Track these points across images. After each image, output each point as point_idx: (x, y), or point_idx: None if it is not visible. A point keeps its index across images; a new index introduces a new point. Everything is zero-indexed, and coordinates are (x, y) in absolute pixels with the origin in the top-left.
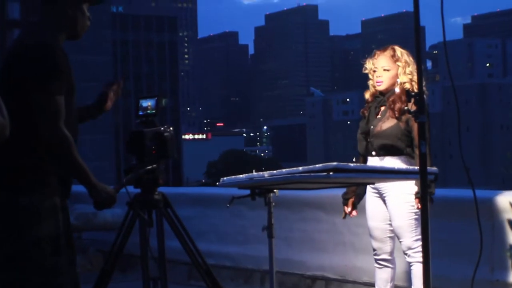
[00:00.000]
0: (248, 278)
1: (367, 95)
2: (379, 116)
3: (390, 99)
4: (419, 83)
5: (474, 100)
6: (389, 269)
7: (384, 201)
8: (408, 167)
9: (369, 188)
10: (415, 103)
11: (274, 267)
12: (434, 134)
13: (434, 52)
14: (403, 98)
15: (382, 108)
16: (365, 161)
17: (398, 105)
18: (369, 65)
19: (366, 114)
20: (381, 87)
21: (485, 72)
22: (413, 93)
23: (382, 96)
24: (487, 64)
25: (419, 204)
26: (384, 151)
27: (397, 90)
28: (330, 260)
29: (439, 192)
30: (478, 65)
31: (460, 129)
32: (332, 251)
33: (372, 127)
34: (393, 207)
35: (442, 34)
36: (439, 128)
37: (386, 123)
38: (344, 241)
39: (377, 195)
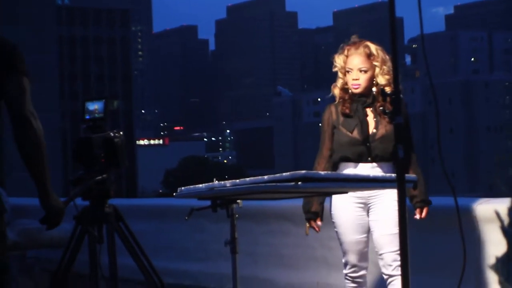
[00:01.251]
0: None
1: (337, 91)
2: (374, 119)
3: (378, 104)
4: (395, 81)
5: (457, 98)
6: (365, 285)
7: (368, 210)
8: (384, 174)
9: (346, 198)
10: (390, 103)
11: (238, 286)
12: (415, 136)
13: (414, 46)
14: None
15: (368, 110)
16: (335, 167)
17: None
18: (339, 62)
19: (348, 112)
20: (359, 90)
21: (470, 68)
22: (388, 93)
23: (361, 96)
24: (472, 59)
25: (419, 214)
26: (384, 157)
27: (374, 90)
28: (300, 277)
29: None
30: (462, 60)
31: (439, 131)
32: (302, 267)
33: (374, 130)
34: (381, 216)
35: (420, 26)
36: (420, 130)
37: (387, 128)
38: (316, 256)
39: (361, 205)
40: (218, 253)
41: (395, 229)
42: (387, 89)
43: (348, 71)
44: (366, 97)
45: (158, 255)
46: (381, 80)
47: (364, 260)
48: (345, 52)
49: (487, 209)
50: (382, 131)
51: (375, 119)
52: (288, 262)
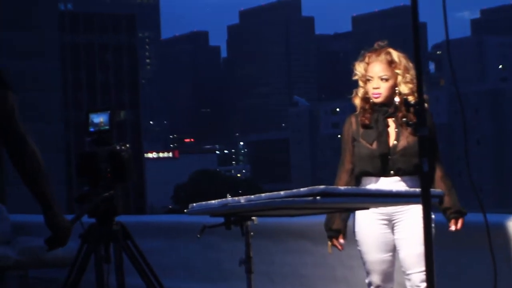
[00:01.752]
0: None
1: (358, 101)
2: (396, 130)
3: (400, 115)
4: (419, 90)
5: (485, 108)
6: None
7: (393, 227)
8: (408, 189)
9: (370, 214)
10: (414, 114)
11: None
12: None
13: (438, 52)
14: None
15: (390, 120)
16: (358, 181)
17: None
18: (360, 69)
19: (368, 123)
20: (379, 100)
21: (498, 76)
22: (412, 102)
23: (382, 106)
24: (500, 66)
25: (454, 226)
26: (407, 170)
27: (397, 100)
28: None
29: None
30: (489, 67)
31: (467, 143)
32: None
33: (395, 142)
34: (407, 234)
35: (445, 31)
36: (446, 142)
37: (409, 139)
38: (335, 276)
39: (385, 221)
40: (232, 272)
41: (423, 248)
42: (410, 99)
43: (368, 79)
44: (387, 107)
45: (169, 274)
46: (404, 89)
47: (389, 280)
48: (366, 59)
49: None
50: (403, 142)
51: (396, 130)
52: (306, 283)
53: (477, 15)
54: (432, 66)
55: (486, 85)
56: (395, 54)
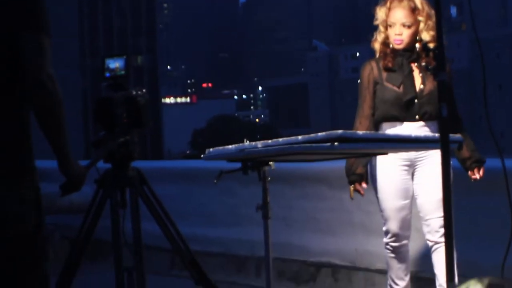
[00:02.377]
0: (241, 267)
1: (378, 46)
2: (420, 74)
3: (423, 60)
4: (438, 34)
5: (507, 53)
6: (407, 256)
7: (413, 173)
8: (429, 134)
9: (391, 160)
10: (434, 58)
11: (271, 253)
12: (462, 93)
13: None
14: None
15: (414, 65)
16: (376, 126)
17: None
18: (381, 14)
19: (392, 66)
20: (401, 46)
21: None
22: (431, 48)
23: (405, 50)
24: None
25: (477, 174)
26: (433, 115)
27: (417, 46)
28: (337, 244)
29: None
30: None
31: (486, 89)
32: (339, 234)
33: (422, 86)
34: (426, 179)
35: None
36: (467, 86)
37: (435, 84)
38: (353, 221)
39: (406, 167)
40: (249, 218)
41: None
42: (431, 46)
43: (390, 25)
44: (410, 52)
45: (185, 220)
46: (426, 36)
47: (407, 228)
48: (388, 4)
49: None
50: (429, 86)
51: (421, 75)
52: (324, 228)
53: None
54: (453, 10)
55: (509, 29)
56: (418, 1)
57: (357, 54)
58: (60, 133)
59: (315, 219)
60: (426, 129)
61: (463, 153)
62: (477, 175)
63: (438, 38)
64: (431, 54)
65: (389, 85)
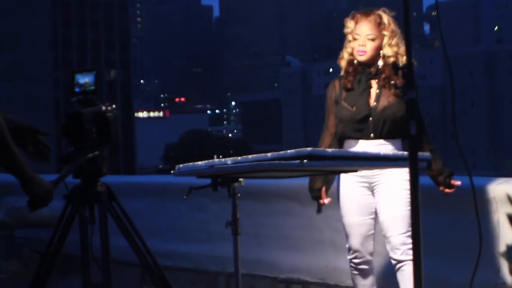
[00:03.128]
0: (211, 283)
1: (344, 63)
2: (377, 91)
3: (383, 76)
4: (408, 52)
5: (480, 70)
6: (371, 273)
7: (372, 190)
8: (396, 152)
9: (351, 177)
10: (403, 77)
11: (240, 270)
12: (434, 109)
13: (433, 13)
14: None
15: (373, 82)
16: (340, 144)
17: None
18: (350, 25)
19: (350, 86)
20: (363, 58)
21: (493, 38)
22: (400, 65)
23: (365, 67)
24: (496, 28)
25: (450, 189)
26: (388, 133)
27: (380, 63)
28: (307, 260)
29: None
30: (485, 29)
31: (454, 106)
32: (309, 250)
33: (375, 103)
34: (387, 195)
35: None
36: (439, 103)
37: (390, 99)
38: (323, 238)
39: (365, 184)
40: (219, 234)
41: (403, 210)
42: (392, 60)
43: (355, 38)
44: (370, 68)
45: (156, 235)
46: (388, 51)
47: (368, 245)
48: (356, 18)
49: (510, 189)
50: (383, 103)
51: (377, 92)
52: (294, 244)
53: None
54: (427, 27)
55: (481, 47)
56: (385, 17)
57: (330, 70)
58: (8, 156)
59: (285, 236)
60: (384, 147)
61: (434, 168)
62: (449, 189)
63: (407, 56)
64: (399, 72)
65: (345, 105)
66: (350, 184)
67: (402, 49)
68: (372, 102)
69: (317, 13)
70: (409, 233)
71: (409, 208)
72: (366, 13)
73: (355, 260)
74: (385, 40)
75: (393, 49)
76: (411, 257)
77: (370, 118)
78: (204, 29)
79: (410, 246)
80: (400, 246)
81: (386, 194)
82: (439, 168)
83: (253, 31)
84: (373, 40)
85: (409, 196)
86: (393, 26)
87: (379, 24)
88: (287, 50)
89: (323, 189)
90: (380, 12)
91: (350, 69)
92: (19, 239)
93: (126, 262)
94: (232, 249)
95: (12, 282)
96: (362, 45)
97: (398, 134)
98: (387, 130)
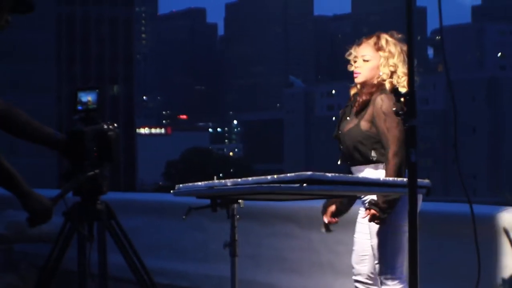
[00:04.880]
0: None
1: (351, 92)
2: (348, 118)
3: (362, 91)
4: (411, 79)
5: (482, 96)
6: None
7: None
8: (395, 179)
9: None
10: (405, 104)
11: None
12: (436, 134)
13: (437, 37)
14: (372, 89)
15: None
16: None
17: (360, 98)
18: (354, 52)
19: (340, 117)
20: (358, 80)
21: (497, 64)
22: (402, 92)
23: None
24: (499, 54)
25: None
26: (351, 159)
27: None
28: (305, 283)
29: (434, 206)
30: (489, 55)
31: (456, 131)
32: (307, 273)
33: (340, 131)
34: (370, 224)
35: (439, 17)
36: (441, 128)
37: (349, 124)
38: (321, 261)
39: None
40: (217, 254)
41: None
42: (384, 78)
43: (355, 61)
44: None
45: (154, 254)
46: (383, 70)
47: (363, 264)
48: (360, 43)
49: (509, 218)
50: (344, 129)
51: (348, 118)
52: (292, 267)
53: (478, 1)
54: (430, 52)
55: (484, 73)
56: (384, 39)
57: (333, 91)
58: (7, 179)
59: (283, 258)
60: (356, 174)
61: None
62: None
63: (409, 83)
64: (402, 99)
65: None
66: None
67: (401, 70)
68: (341, 129)
69: (322, 34)
70: (393, 263)
71: (396, 236)
72: (368, 37)
73: (353, 277)
74: (381, 60)
75: (389, 69)
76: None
77: (340, 145)
78: (208, 47)
79: (391, 278)
80: (381, 275)
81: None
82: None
83: (257, 51)
84: (368, 61)
85: (395, 224)
86: (392, 47)
87: (375, 45)
88: (290, 71)
89: (331, 207)
90: (382, 34)
91: (351, 98)
92: (18, 253)
93: (124, 279)
94: (229, 270)
95: None
96: (358, 67)
97: (357, 160)
98: (346, 156)
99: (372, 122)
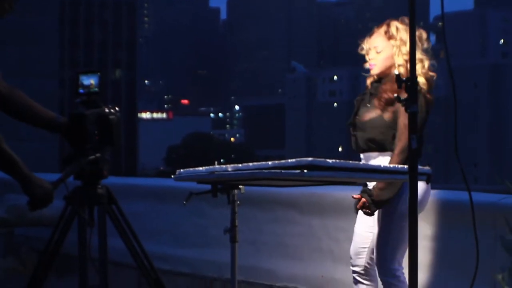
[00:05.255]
0: None
1: (368, 81)
2: (368, 105)
3: (383, 86)
4: (412, 64)
5: (484, 83)
6: (365, 286)
7: None
8: (396, 166)
9: None
10: (406, 90)
11: (236, 276)
12: (437, 121)
13: (439, 24)
14: (394, 86)
15: (375, 99)
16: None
17: (386, 95)
18: (366, 45)
19: (357, 104)
20: (375, 71)
21: (499, 51)
22: (404, 78)
23: (379, 82)
24: (501, 41)
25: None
26: (367, 146)
27: (396, 72)
28: (305, 269)
29: (434, 193)
30: (491, 42)
31: (456, 118)
32: (307, 259)
33: (357, 117)
34: (377, 216)
35: (441, 3)
36: (443, 115)
37: (371, 113)
38: (322, 248)
39: None
40: (218, 239)
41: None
42: (402, 70)
43: (368, 53)
44: (380, 81)
45: (154, 238)
46: (398, 60)
47: (360, 256)
48: (372, 33)
49: (509, 206)
50: (364, 117)
51: (368, 105)
52: (292, 253)
53: None
54: (433, 38)
55: (487, 60)
56: (394, 26)
57: (335, 77)
58: (5, 161)
59: (283, 244)
60: (366, 161)
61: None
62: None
63: (411, 69)
64: (403, 85)
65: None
66: None
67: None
68: (356, 116)
69: (325, 19)
70: (390, 255)
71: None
72: (379, 26)
73: (351, 268)
74: (394, 49)
75: (403, 57)
76: (388, 279)
77: (356, 132)
78: (210, 32)
79: (389, 269)
80: (377, 266)
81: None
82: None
83: (259, 36)
84: (380, 51)
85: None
86: (403, 34)
87: (386, 34)
88: (292, 56)
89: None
90: (392, 21)
91: (368, 87)
92: (18, 237)
93: (124, 264)
94: (230, 255)
95: (10, 279)
96: (372, 59)
97: (375, 148)
98: (365, 144)
99: (395, 114)
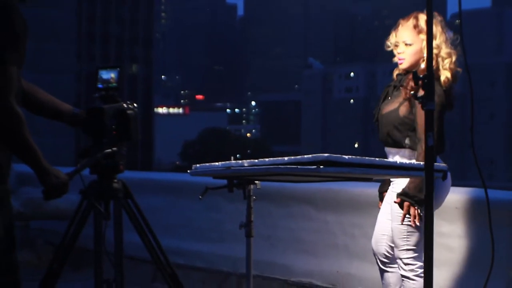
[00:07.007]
0: (222, 282)
1: (394, 73)
2: (389, 98)
3: (408, 78)
4: (428, 62)
5: (501, 81)
6: (392, 273)
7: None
8: (413, 162)
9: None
10: (423, 87)
11: (251, 271)
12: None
13: (456, 21)
14: None
15: (402, 88)
16: None
17: (409, 86)
18: (393, 38)
19: (382, 96)
20: (404, 66)
21: None
22: (420, 76)
23: (405, 74)
24: None
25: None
26: (385, 140)
27: (423, 66)
28: (320, 265)
29: (450, 190)
30: (508, 40)
31: (473, 115)
32: (322, 255)
33: (379, 110)
34: (393, 205)
35: (458, 1)
36: (459, 112)
37: (389, 106)
38: (337, 243)
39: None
40: (233, 234)
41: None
42: (443, 64)
43: (396, 46)
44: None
45: (170, 233)
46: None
47: (380, 244)
48: (398, 26)
49: None
50: (384, 110)
51: (389, 98)
52: (307, 248)
53: None
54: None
55: (504, 58)
56: (423, 19)
57: (351, 74)
58: (26, 149)
59: (299, 239)
60: (392, 156)
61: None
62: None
63: (428, 66)
64: (420, 82)
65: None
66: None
67: (444, 51)
68: (380, 109)
69: (342, 16)
70: (407, 247)
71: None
72: (406, 18)
73: (375, 257)
74: (423, 43)
75: (433, 51)
76: (407, 274)
77: (377, 124)
78: (227, 28)
79: (407, 262)
80: (397, 259)
81: (393, 204)
82: (410, 183)
83: (276, 32)
84: (410, 45)
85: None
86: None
87: (415, 27)
88: (309, 52)
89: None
90: (420, 14)
91: (394, 79)
92: (34, 230)
93: (139, 258)
94: (245, 250)
95: (25, 272)
96: (401, 52)
97: (391, 143)
98: (384, 139)
99: (412, 108)
